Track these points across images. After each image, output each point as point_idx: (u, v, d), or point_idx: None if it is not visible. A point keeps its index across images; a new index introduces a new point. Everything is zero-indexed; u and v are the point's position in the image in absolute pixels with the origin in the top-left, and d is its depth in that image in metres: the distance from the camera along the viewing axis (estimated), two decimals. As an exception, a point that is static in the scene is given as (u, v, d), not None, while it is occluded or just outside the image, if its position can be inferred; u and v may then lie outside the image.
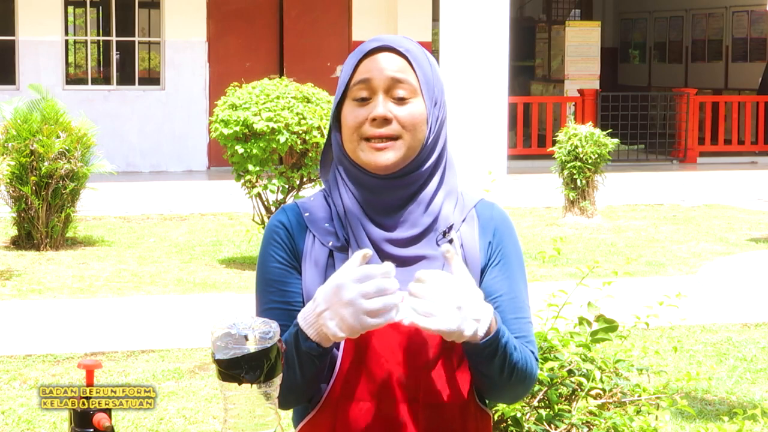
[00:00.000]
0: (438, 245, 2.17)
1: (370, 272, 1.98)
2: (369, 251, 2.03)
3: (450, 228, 2.19)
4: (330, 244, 2.16)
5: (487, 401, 2.24)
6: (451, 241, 2.18)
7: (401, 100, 2.16)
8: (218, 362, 1.85)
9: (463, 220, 2.22)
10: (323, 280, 2.12)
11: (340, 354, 2.14)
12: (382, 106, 2.14)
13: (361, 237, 2.15)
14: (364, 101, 2.16)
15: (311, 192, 9.93)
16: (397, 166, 2.15)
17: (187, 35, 16.40)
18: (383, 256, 2.15)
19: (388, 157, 2.14)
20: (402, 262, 2.15)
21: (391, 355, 2.13)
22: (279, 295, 2.17)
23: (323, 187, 2.27)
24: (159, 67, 16.68)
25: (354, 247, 2.14)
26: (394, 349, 2.13)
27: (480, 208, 2.26)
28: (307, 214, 2.20)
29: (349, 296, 1.98)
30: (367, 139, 2.15)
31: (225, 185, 12.92)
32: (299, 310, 2.12)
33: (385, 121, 2.14)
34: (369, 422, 2.13)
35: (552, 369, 3.69)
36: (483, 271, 2.21)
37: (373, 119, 2.14)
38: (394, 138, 2.15)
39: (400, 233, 2.16)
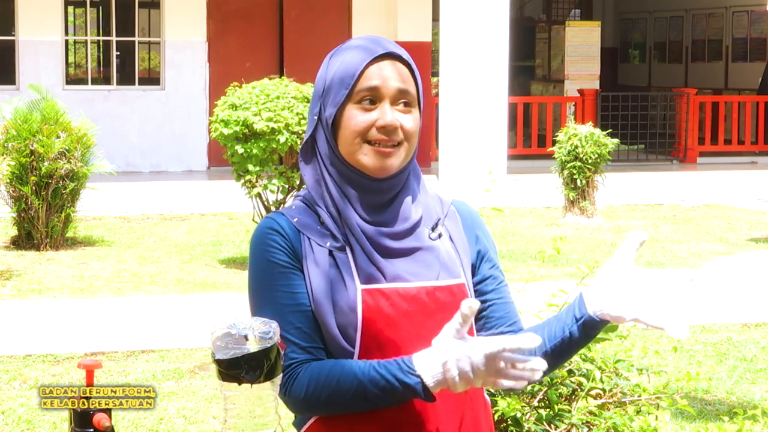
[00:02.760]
0: (430, 238, 2.23)
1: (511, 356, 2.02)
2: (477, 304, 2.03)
3: (437, 222, 2.25)
4: (328, 245, 2.18)
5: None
6: (440, 235, 2.24)
7: (405, 110, 2.20)
8: (218, 362, 1.85)
9: (446, 216, 2.28)
10: (328, 281, 2.15)
11: (356, 353, 2.15)
12: (391, 114, 2.18)
13: (358, 235, 2.17)
14: (368, 106, 2.18)
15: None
16: (396, 170, 2.20)
17: (187, 35, 16.40)
18: (380, 249, 2.18)
19: (393, 162, 2.18)
20: (399, 253, 2.19)
21: (402, 346, 2.14)
22: (290, 298, 2.16)
23: (300, 193, 2.28)
24: (159, 67, 16.68)
25: (354, 245, 2.17)
26: (405, 345, 2.14)
27: (457, 205, 2.33)
28: (296, 219, 2.21)
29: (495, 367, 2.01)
30: (370, 143, 2.18)
31: (225, 185, 12.92)
32: (309, 311, 2.14)
33: (394, 129, 2.18)
34: (384, 413, 2.13)
35: (552, 369, 3.68)
36: (477, 263, 2.28)
37: (382, 126, 2.17)
38: (397, 144, 2.19)
39: (393, 227, 2.20)
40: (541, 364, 2.01)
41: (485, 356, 1.99)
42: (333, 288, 2.15)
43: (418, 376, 2.04)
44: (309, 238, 2.18)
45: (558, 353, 2.22)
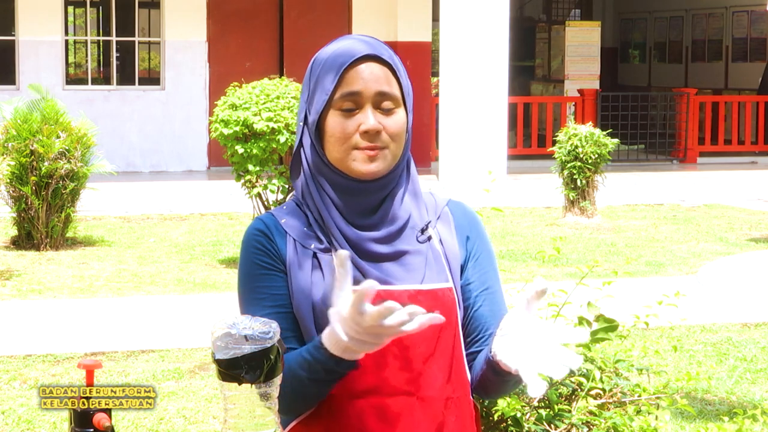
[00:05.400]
0: (418, 241, 2.21)
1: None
2: (346, 252, 2.00)
3: (427, 225, 2.23)
4: (313, 246, 2.18)
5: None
6: (429, 238, 2.22)
7: (388, 111, 2.18)
8: (218, 362, 1.85)
9: (438, 218, 2.26)
10: (309, 283, 2.15)
11: None
12: (372, 118, 2.16)
13: (340, 240, 2.17)
14: (350, 112, 2.17)
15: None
16: (383, 173, 2.18)
17: (187, 35, 16.40)
18: (365, 254, 2.17)
19: (379, 165, 2.16)
20: (386, 257, 2.18)
21: (385, 348, 2.12)
22: (271, 300, 2.17)
23: (293, 195, 2.28)
24: (159, 67, 16.68)
25: (337, 248, 2.16)
26: (381, 349, 2.11)
27: (452, 206, 2.30)
28: (284, 221, 2.21)
29: (366, 324, 1.96)
30: (356, 148, 2.16)
31: (225, 185, 12.92)
32: (290, 313, 2.15)
33: (377, 133, 2.16)
34: (363, 417, 2.14)
35: (552, 369, 3.68)
36: (463, 267, 2.25)
37: (365, 132, 2.15)
38: (381, 148, 2.17)
39: (379, 232, 2.18)
40: (408, 309, 1.93)
41: (351, 315, 1.96)
42: (314, 290, 2.15)
43: (326, 348, 2.04)
44: (295, 240, 2.18)
45: (482, 386, 2.20)
